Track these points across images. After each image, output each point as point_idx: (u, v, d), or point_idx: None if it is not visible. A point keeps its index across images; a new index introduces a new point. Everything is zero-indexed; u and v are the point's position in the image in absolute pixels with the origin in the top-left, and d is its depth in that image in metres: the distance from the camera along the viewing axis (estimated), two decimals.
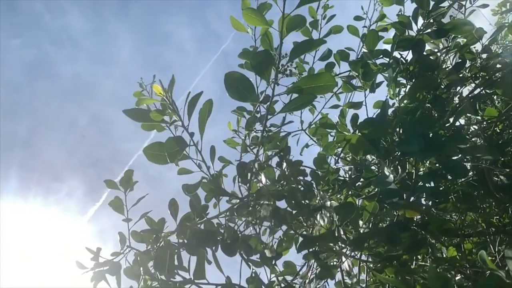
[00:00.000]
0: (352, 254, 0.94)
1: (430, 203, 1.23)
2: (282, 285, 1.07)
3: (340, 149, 1.62)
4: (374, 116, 1.19)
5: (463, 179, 1.26)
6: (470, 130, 1.46)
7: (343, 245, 0.97)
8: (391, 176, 0.94)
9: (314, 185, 1.10)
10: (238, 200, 1.21)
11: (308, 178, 1.25)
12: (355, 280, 0.95)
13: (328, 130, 1.64)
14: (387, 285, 1.26)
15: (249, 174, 0.90)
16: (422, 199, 1.23)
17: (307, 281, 1.21)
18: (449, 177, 1.07)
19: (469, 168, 1.23)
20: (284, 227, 1.17)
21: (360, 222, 1.07)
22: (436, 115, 1.19)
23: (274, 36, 1.15)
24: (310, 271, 1.22)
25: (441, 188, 1.18)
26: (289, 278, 1.26)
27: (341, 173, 1.37)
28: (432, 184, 1.19)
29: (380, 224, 1.21)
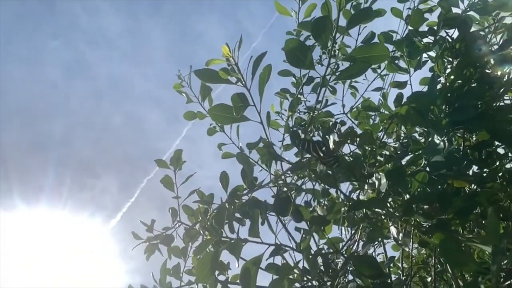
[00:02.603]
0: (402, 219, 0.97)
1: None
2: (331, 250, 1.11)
3: (380, 133, 1.64)
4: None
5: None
6: None
7: (391, 210, 1.00)
8: (441, 143, 0.96)
9: (362, 156, 1.13)
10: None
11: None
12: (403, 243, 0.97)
13: (371, 113, 1.66)
14: (432, 257, 1.27)
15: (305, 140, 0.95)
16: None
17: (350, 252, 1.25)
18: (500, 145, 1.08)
19: None
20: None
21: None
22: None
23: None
24: (355, 244, 1.26)
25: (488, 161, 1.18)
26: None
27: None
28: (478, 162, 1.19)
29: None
